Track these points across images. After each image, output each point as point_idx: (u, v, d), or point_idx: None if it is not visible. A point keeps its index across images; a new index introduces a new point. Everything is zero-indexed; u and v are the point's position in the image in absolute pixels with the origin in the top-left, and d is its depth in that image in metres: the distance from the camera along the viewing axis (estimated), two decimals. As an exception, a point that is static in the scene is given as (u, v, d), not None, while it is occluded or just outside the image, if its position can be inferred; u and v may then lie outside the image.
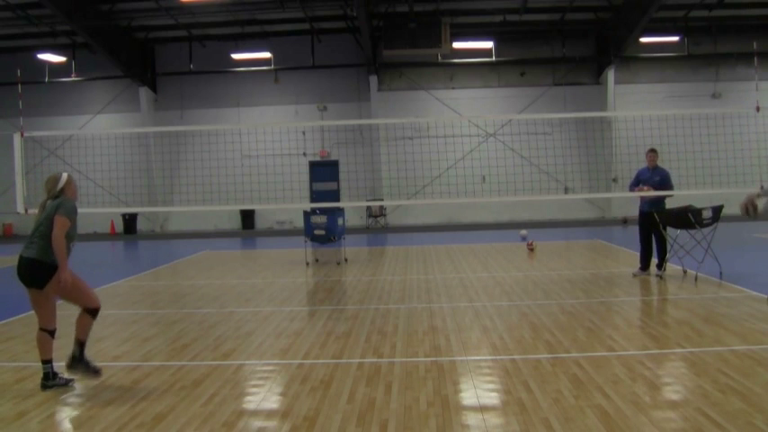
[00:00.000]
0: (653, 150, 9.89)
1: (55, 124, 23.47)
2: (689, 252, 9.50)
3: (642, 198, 9.87)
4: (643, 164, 10.07)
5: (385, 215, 24.13)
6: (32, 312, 5.23)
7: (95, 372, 5.11)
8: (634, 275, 9.98)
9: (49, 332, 5.19)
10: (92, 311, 5.20)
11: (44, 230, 5.11)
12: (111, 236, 23.77)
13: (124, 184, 22.44)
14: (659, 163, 9.92)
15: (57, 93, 24.53)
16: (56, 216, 5.08)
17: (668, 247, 9.60)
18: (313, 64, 23.76)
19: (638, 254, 10.08)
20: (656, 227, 9.63)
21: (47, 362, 5.16)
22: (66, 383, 5.21)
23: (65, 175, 5.37)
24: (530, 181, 19.08)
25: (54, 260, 5.05)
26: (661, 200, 9.80)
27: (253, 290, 10.07)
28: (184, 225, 24.99)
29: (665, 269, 9.63)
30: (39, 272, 5.03)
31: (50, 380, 5.16)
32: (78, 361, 5.12)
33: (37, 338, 5.20)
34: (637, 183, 9.97)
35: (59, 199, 5.24)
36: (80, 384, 5.18)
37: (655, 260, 9.91)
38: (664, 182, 9.65)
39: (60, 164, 22.44)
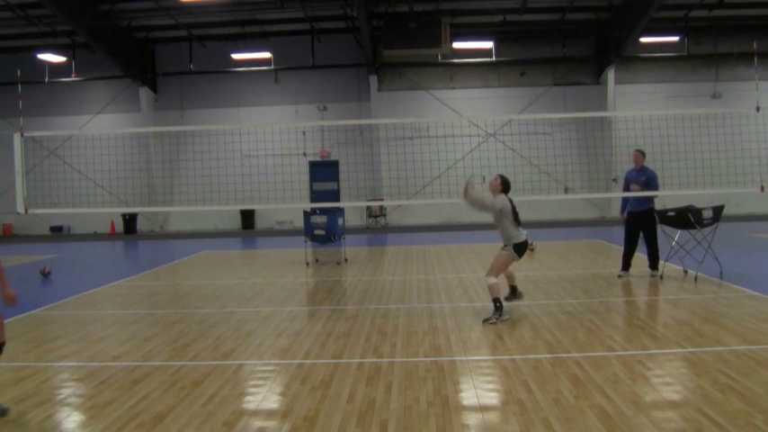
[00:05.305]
0: (639, 151, 9.87)
1: (55, 124, 23.51)
2: (689, 252, 9.50)
3: (630, 198, 9.80)
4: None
5: (385, 215, 24.13)
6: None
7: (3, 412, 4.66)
8: (619, 277, 9.87)
9: None
10: None
11: None
12: (111, 236, 23.76)
13: (124, 184, 22.46)
14: (650, 164, 9.90)
15: (57, 93, 24.53)
16: None
17: (660, 247, 9.52)
18: (313, 64, 23.76)
19: (640, 255, 10.06)
20: (647, 226, 9.59)
21: None
22: None
23: None
24: (530, 181, 19.05)
25: None
26: (650, 199, 9.72)
27: (253, 290, 10.07)
28: (184, 225, 24.98)
29: (660, 271, 9.59)
30: None
31: None
32: None
33: None
34: (626, 184, 9.95)
35: None
36: (80, 384, 5.17)
37: (639, 258, 9.81)
38: (650, 181, 9.59)
39: (60, 164, 22.50)
